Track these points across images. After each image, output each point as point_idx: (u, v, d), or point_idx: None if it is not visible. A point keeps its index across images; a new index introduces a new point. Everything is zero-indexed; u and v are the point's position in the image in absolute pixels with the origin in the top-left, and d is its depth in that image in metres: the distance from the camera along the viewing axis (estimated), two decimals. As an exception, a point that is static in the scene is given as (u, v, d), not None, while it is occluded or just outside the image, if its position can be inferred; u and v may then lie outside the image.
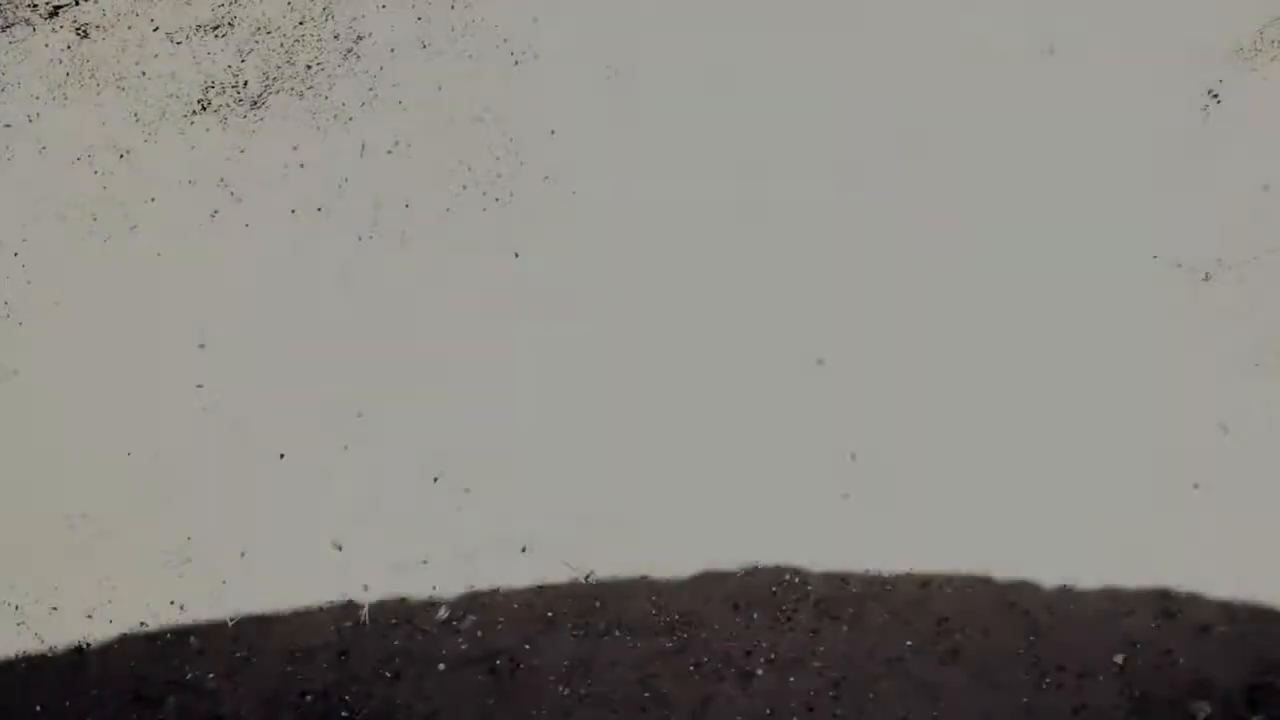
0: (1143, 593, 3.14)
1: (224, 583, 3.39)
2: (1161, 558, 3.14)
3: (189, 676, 3.33)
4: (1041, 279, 3.33)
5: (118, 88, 3.65)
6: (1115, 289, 3.29)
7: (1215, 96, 3.31)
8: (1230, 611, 3.08)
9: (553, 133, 3.55)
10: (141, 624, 3.38)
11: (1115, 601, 3.14)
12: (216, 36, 3.65)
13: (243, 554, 3.40)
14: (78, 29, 3.69)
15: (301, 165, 3.58)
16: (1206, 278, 3.26)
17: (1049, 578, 3.18)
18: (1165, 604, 3.12)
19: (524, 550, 3.34)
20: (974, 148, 3.42)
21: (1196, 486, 3.16)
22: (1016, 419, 3.27)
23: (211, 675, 3.33)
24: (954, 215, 3.40)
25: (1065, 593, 3.16)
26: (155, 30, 3.67)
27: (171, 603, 3.39)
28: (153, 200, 3.59)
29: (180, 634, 3.37)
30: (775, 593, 3.26)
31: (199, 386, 3.49)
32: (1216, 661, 3.05)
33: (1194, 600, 3.10)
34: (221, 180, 3.59)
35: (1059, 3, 3.44)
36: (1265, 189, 3.27)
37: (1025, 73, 3.41)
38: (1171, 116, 3.32)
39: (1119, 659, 3.10)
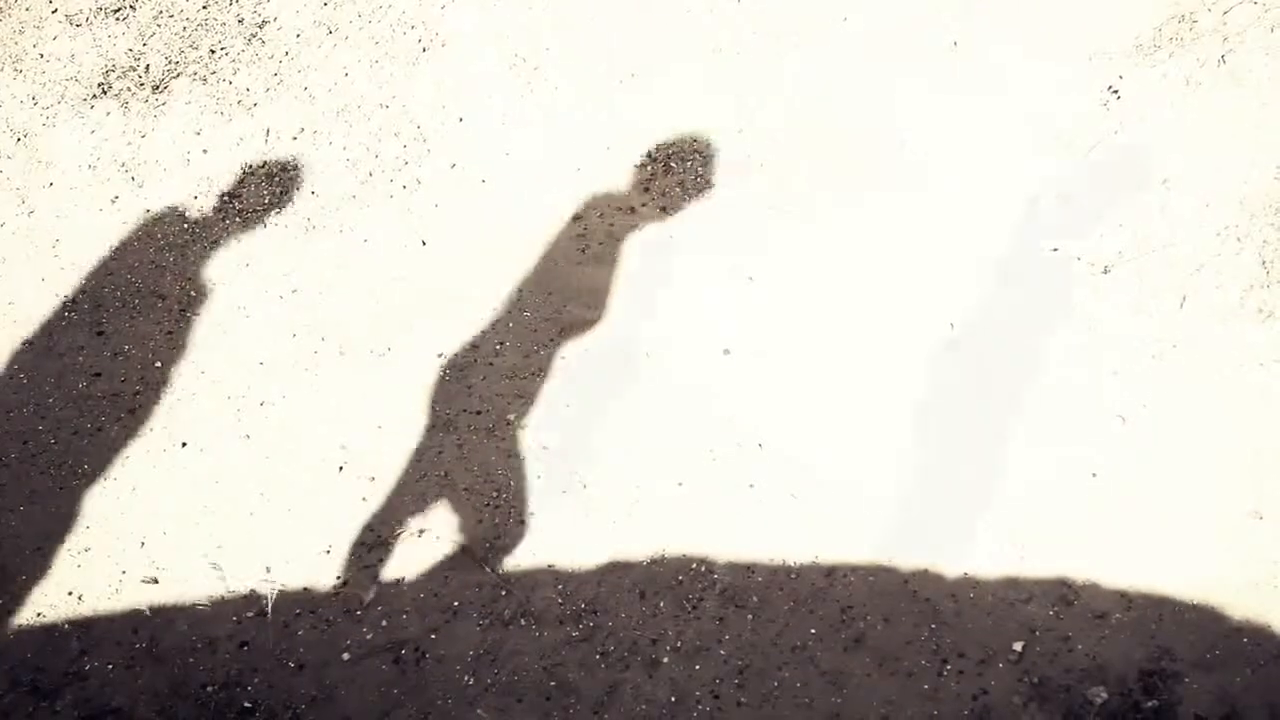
0: (1041, 581, 3.18)
1: (123, 573, 3.35)
2: (1060, 546, 3.19)
3: (88, 668, 3.29)
4: (942, 271, 3.36)
5: (15, 70, 3.58)
6: (1015, 282, 3.33)
7: (1115, 92, 3.35)
8: (1126, 598, 3.13)
9: (461, 120, 3.53)
10: (38, 615, 3.33)
11: (1015, 589, 3.18)
12: (117, 19, 3.59)
13: (141, 544, 3.36)
14: None
15: (205, 151, 3.54)
16: (1106, 271, 3.30)
17: (950, 566, 3.21)
18: (1063, 592, 3.16)
19: (425, 538, 3.33)
20: (876, 139, 3.44)
21: (1094, 475, 3.20)
22: (918, 408, 3.30)
23: (110, 667, 3.28)
24: (854, 204, 3.42)
25: (966, 581, 3.19)
26: (54, 12, 3.60)
27: (69, 593, 3.34)
28: (51, 185, 3.53)
29: (78, 625, 3.32)
30: (681, 581, 3.27)
31: (97, 375, 3.44)
32: (1113, 648, 3.10)
33: (1091, 588, 3.15)
34: (122, 165, 3.54)
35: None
36: (1164, 183, 3.31)
37: (927, 66, 3.43)
38: (1072, 112, 3.36)
39: (1018, 646, 3.14)
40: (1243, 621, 3.05)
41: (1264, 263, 3.19)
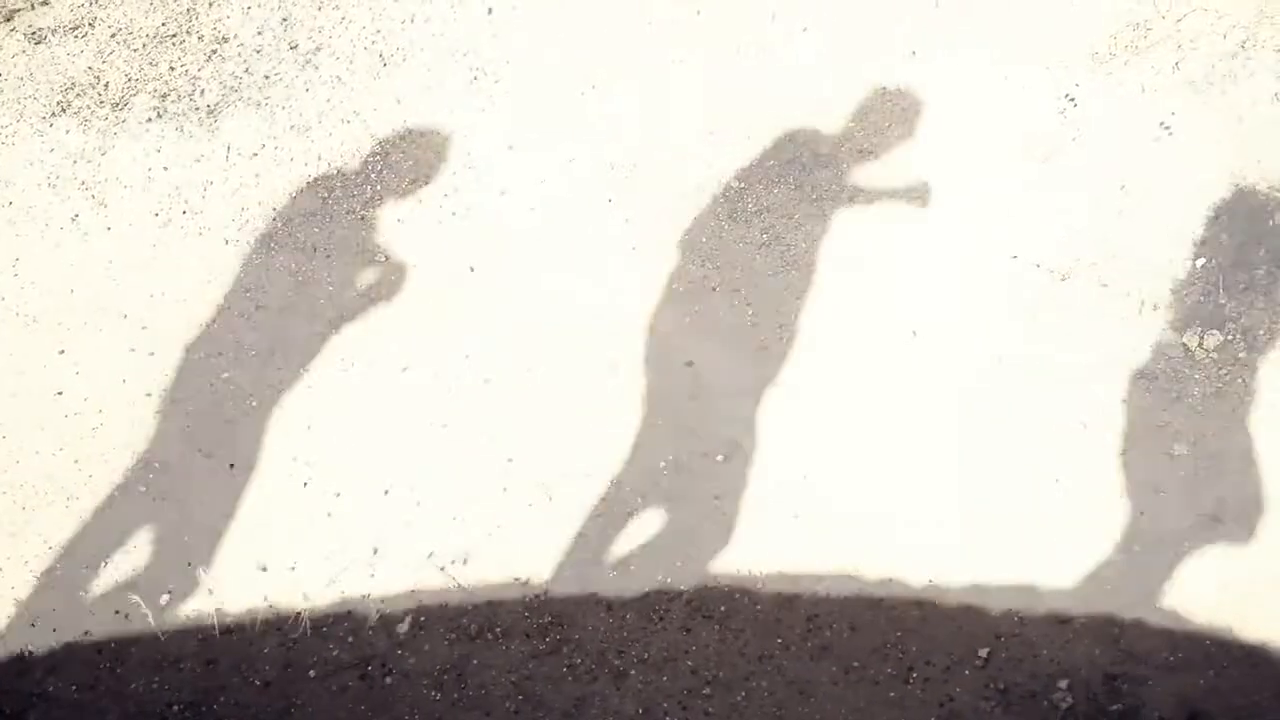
0: (1005, 587, 3.20)
1: (84, 594, 3.33)
2: (1022, 552, 3.21)
3: (51, 690, 3.28)
4: (901, 280, 3.38)
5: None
6: (975, 289, 3.35)
7: (1072, 100, 3.37)
8: (1088, 603, 3.15)
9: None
10: (0, 636, 3.32)
11: (979, 596, 3.19)
12: (76, 37, 3.58)
13: (104, 564, 3.35)
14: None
15: (165, 168, 3.53)
16: (1065, 278, 3.32)
17: (915, 575, 3.22)
18: (1027, 598, 3.18)
19: (391, 553, 3.33)
20: (837, 147, 3.45)
21: (1057, 481, 3.22)
22: (881, 418, 3.32)
23: (75, 688, 3.27)
24: (816, 214, 3.44)
25: (930, 588, 3.21)
26: (13, 30, 3.59)
27: (34, 616, 3.33)
28: (10, 204, 3.52)
29: (42, 647, 3.31)
30: (647, 593, 3.28)
31: (59, 394, 3.43)
32: (1077, 652, 3.12)
33: (1054, 593, 3.17)
34: (82, 183, 3.53)
35: (919, 8, 3.48)
36: (1122, 189, 3.34)
37: (888, 75, 3.45)
38: (1030, 119, 3.38)
39: (983, 652, 3.16)
40: (1204, 625, 3.07)
41: (1218, 267, 3.22)
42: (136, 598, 3.32)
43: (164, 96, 3.59)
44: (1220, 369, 3.22)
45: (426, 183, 3.53)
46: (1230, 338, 3.21)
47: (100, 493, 3.40)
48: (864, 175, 3.44)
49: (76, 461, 3.41)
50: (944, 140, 3.42)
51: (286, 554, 3.35)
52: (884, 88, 3.47)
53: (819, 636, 3.21)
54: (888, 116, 3.47)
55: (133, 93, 3.58)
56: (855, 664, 3.18)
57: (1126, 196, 3.34)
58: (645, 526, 3.32)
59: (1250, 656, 3.03)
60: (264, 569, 3.34)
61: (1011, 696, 3.11)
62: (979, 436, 3.28)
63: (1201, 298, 3.24)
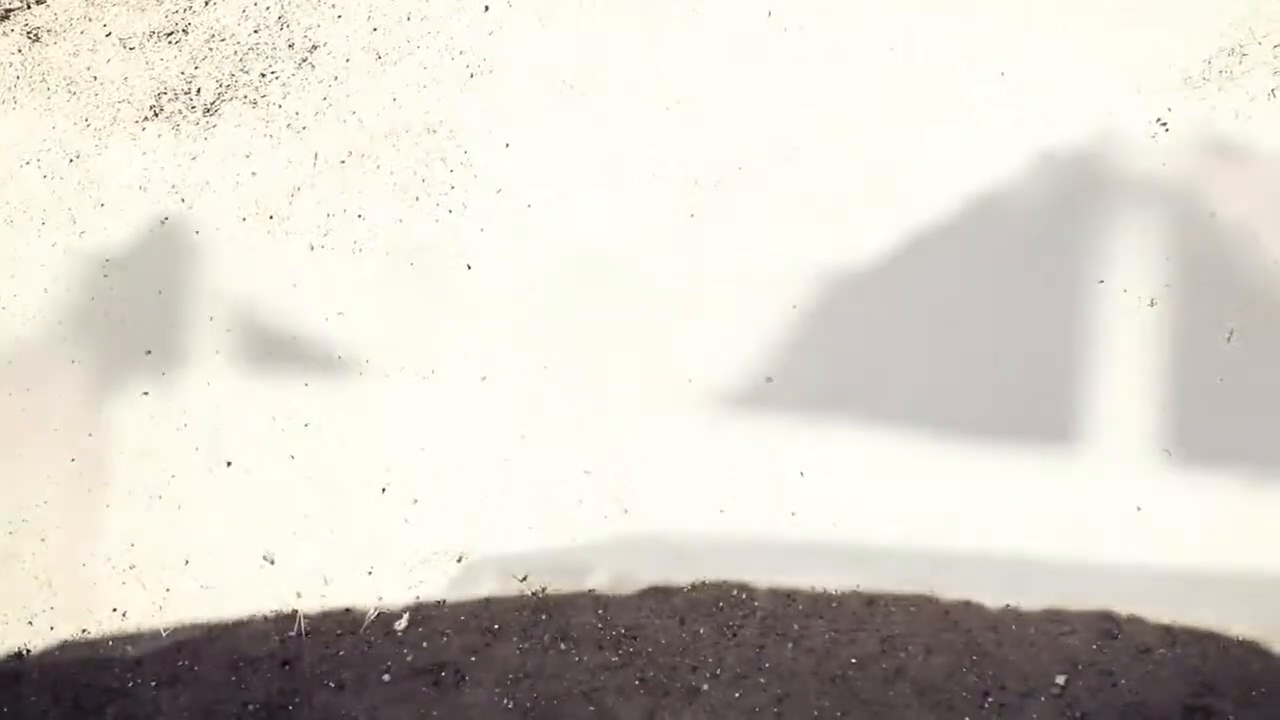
0: (1084, 614, 3.16)
1: (167, 590, 3.38)
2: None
3: (130, 685, 3.32)
4: (987, 301, 3.36)
5: (69, 92, 3.62)
6: (1059, 313, 3.32)
7: (1164, 125, 3.34)
8: (1170, 634, 3.11)
9: (507, 146, 3.55)
10: (83, 631, 3.37)
11: (1057, 622, 3.16)
12: (170, 43, 3.63)
13: (186, 562, 3.39)
14: (29, 32, 3.67)
15: (253, 174, 3.57)
16: (1152, 303, 3.29)
17: (992, 598, 3.20)
18: (1106, 626, 3.15)
19: (466, 560, 3.35)
20: (923, 167, 3.44)
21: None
22: (961, 439, 3.29)
23: (153, 684, 3.32)
24: (902, 237, 3.42)
25: (1008, 613, 3.19)
26: (108, 35, 3.65)
27: (114, 610, 3.37)
28: (102, 205, 3.57)
29: (122, 642, 3.36)
30: (721, 608, 3.28)
31: (145, 394, 3.48)
32: (1156, 683, 3.08)
33: (1135, 622, 3.13)
34: (172, 187, 3.57)
35: (1007, 30, 3.46)
36: (1212, 216, 3.30)
37: (973, 98, 3.43)
38: (1120, 144, 3.35)
39: (1060, 680, 3.12)
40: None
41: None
42: (216, 596, 3.37)
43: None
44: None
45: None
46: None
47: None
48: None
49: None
50: (1030, 162, 3.40)
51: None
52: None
53: (894, 658, 3.19)
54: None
55: (224, 99, 3.62)
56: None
57: (1217, 223, 3.30)
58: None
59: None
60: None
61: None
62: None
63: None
